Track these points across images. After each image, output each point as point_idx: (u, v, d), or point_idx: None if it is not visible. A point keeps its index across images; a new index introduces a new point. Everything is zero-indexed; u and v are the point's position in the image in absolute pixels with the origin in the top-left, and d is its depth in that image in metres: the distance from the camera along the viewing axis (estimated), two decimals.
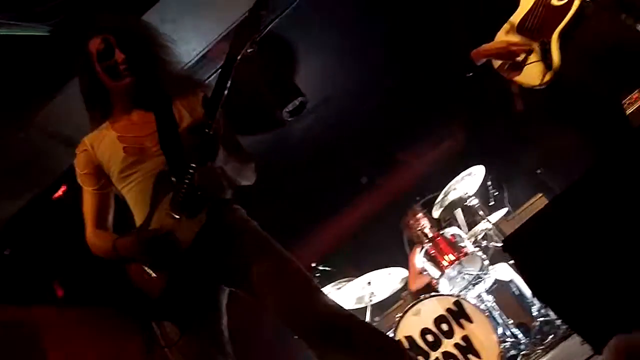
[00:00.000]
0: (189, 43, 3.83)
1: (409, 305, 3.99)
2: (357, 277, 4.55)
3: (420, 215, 5.11)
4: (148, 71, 2.11)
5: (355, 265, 5.42)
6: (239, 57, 1.95)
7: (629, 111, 3.86)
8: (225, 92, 1.93)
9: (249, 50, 3.23)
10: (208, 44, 3.87)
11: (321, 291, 1.96)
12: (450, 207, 4.80)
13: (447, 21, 2.89)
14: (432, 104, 5.72)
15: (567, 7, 2.46)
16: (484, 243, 4.48)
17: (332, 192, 6.14)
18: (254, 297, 1.95)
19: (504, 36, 2.64)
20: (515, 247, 2.17)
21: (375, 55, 5.06)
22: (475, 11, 2.84)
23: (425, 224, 5.02)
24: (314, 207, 6.26)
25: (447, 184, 4.58)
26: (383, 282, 4.69)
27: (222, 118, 1.99)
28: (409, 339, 3.87)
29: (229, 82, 1.94)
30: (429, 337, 3.86)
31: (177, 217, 1.94)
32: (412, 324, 3.91)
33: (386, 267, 4.67)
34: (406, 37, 4.77)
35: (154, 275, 1.94)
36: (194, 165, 1.89)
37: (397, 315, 4.05)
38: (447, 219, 5.25)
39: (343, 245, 6.69)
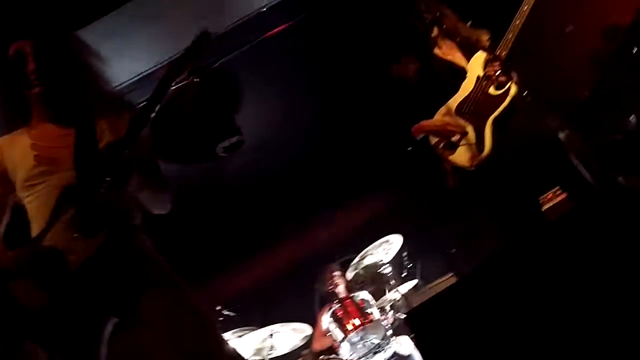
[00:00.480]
0: (138, 60, 3.75)
1: None
2: (260, 327, 4.42)
3: (336, 274, 5.10)
4: (62, 83, 2.06)
5: (262, 315, 5.30)
6: (172, 83, 1.92)
7: (545, 207, 4.09)
8: (152, 115, 1.88)
9: (194, 80, 3.20)
10: (156, 65, 3.81)
11: (220, 335, 1.87)
12: (365, 271, 4.82)
13: (392, 93, 2.98)
14: (364, 167, 5.86)
15: (503, 97, 2.62)
16: (391, 313, 4.50)
17: (252, 236, 6.06)
18: (144, 330, 1.83)
19: (442, 116, 2.75)
20: (417, 321, 2.16)
21: (317, 111, 5.17)
22: (421, 88, 2.94)
23: (339, 283, 5.01)
24: (231, 248, 6.14)
25: (365, 247, 4.61)
26: (286, 336, 4.58)
27: (147, 143, 1.93)
28: None
29: (158, 106, 1.89)
30: None
31: (74, 235, 1.82)
32: None
33: (292, 321, 4.57)
34: (349, 101, 4.93)
35: (36, 292, 1.78)
36: (104, 185, 1.81)
37: None
38: (360, 283, 5.26)
39: (253, 292, 6.55)
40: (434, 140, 2.77)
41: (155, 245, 2.07)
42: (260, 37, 3.90)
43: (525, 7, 2.67)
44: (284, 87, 4.78)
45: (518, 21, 2.66)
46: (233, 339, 4.48)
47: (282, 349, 4.66)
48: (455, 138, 2.68)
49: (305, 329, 4.64)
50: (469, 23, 2.93)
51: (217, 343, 1.83)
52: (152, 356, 1.84)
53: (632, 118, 6.43)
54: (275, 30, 3.89)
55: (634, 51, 6.09)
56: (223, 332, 4.31)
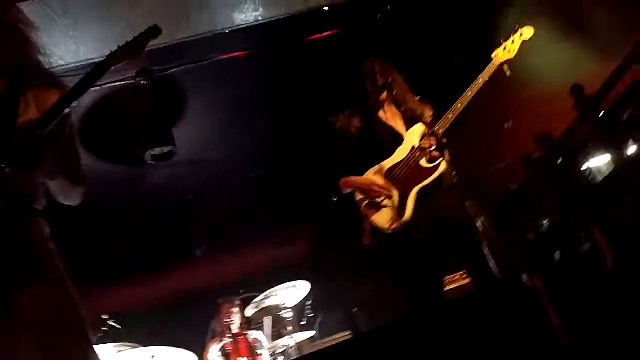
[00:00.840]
0: (84, 44, 3.63)
1: None
2: (144, 346, 4.22)
3: (235, 308, 4.98)
4: None
5: (150, 334, 5.07)
6: (107, 69, 1.86)
7: (448, 287, 4.19)
8: (76, 100, 1.80)
9: (141, 82, 3.10)
10: (102, 56, 3.70)
11: (90, 343, 1.75)
12: (266, 312, 4.74)
13: (331, 141, 3.02)
14: (289, 207, 5.87)
15: (432, 170, 2.72)
16: (281, 359, 4.43)
17: (159, 252, 5.87)
18: (9, 322, 1.68)
19: (372, 175, 2.80)
20: None
21: (255, 142, 5.16)
22: (359, 144, 2.98)
23: (235, 319, 4.88)
24: (134, 259, 5.91)
25: (271, 288, 4.55)
26: None
27: (70, 130, 1.84)
28: None
29: (85, 91, 1.81)
30: None
31: None
32: None
33: (179, 347, 4.39)
34: (288, 139, 4.97)
35: None
36: (8, 162, 1.69)
37: None
38: (259, 322, 5.16)
39: (147, 309, 6.29)
40: (359, 196, 2.81)
41: (55, 236, 1.95)
42: (215, 57, 3.90)
43: (469, 93, 2.82)
44: (228, 112, 4.76)
45: (460, 104, 2.80)
46: (112, 351, 4.25)
47: None
48: (379, 199, 2.73)
49: (190, 358, 4.46)
50: (417, 97, 3.03)
51: (83, 353, 1.71)
52: (16, 351, 1.69)
53: (546, 222, 6.84)
54: (232, 54, 3.90)
55: (559, 161, 6.54)
56: (103, 343, 4.07)
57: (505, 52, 2.90)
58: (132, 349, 4.23)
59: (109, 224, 5.32)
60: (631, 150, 5.15)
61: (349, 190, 2.84)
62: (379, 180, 2.77)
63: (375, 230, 2.75)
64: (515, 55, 2.92)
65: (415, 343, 2.08)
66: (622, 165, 5.14)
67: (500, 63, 2.89)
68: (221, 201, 5.69)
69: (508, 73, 2.90)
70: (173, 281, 6.42)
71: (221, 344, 4.27)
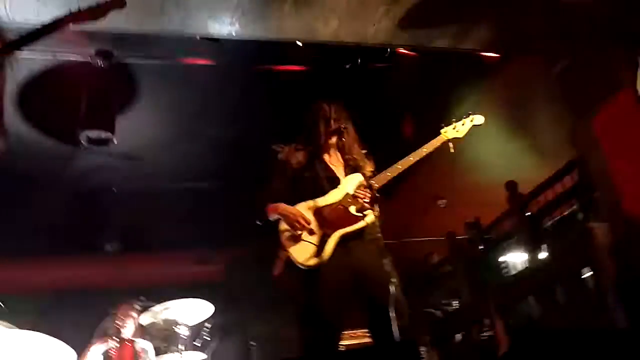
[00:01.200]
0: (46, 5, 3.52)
1: None
2: (21, 329, 3.96)
3: (132, 313, 4.79)
4: None
5: (35, 319, 4.77)
6: (54, 30, 1.83)
7: (347, 342, 4.20)
8: (19, 48, 1.76)
9: (99, 62, 3.03)
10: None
11: None
12: (162, 324, 4.58)
13: (271, 165, 3.04)
14: (218, 227, 5.78)
15: (359, 219, 2.77)
16: None
17: (71, 237, 5.61)
18: None
19: (303, 208, 2.83)
20: None
21: (197, 150, 5.12)
22: (297, 177, 3.01)
23: (129, 324, 4.70)
24: (42, 239, 5.62)
25: (173, 300, 4.42)
26: (44, 353, 4.11)
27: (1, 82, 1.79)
28: None
29: (31, 41, 1.77)
30: None
31: None
32: None
33: (61, 340, 4.15)
34: (230, 154, 4.93)
35: None
36: None
37: None
38: (151, 334, 4.97)
39: (39, 294, 5.95)
40: (283, 226, 2.82)
41: None
42: (179, 59, 3.88)
43: (412, 158, 2.93)
44: (179, 117, 4.72)
45: (400, 166, 2.90)
46: None
47: None
48: (301, 233, 2.75)
49: (69, 354, 4.21)
50: (363, 150, 3.11)
51: None
52: None
53: (455, 303, 7.03)
54: (197, 60, 3.90)
55: (480, 247, 6.81)
56: None
57: (454, 130, 3.06)
58: (9, 329, 3.97)
59: (23, 195, 5.07)
60: (543, 255, 5.44)
61: (276, 217, 2.85)
62: (307, 215, 2.80)
63: (290, 262, 2.75)
64: (463, 137, 3.07)
65: None
66: (534, 266, 5.41)
67: (447, 139, 3.03)
68: (148, 203, 5.55)
69: (452, 150, 3.03)
70: (74, 271, 6.12)
71: (106, 347, 4.08)
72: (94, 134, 3.98)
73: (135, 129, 4.71)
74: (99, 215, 5.61)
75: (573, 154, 5.35)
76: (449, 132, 3.05)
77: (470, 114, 3.13)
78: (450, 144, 3.04)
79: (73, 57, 3.86)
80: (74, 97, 3.98)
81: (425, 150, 2.97)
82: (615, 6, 4.14)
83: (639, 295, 4.00)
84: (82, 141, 4.03)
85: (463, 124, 3.08)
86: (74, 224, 5.63)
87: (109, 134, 4.02)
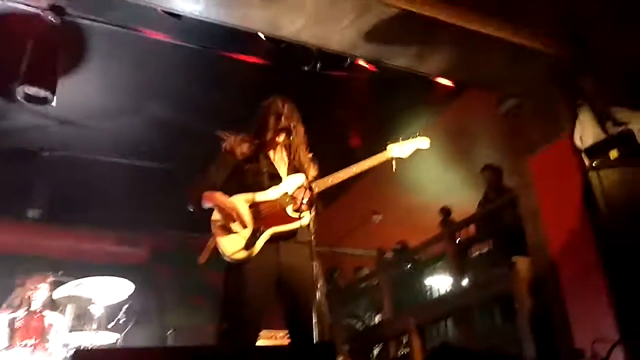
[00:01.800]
0: None
1: None
2: None
3: (44, 285, 4.57)
4: None
5: None
6: None
7: (264, 343, 4.15)
8: None
9: (49, 17, 2.88)
10: None
11: None
12: (75, 300, 4.39)
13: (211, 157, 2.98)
14: (149, 209, 5.61)
15: (293, 220, 2.75)
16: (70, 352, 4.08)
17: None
18: None
19: (239, 201, 2.78)
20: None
21: (146, 132, 4.97)
22: (235, 170, 2.96)
23: (39, 295, 4.47)
24: None
25: (90, 277, 4.25)
26: None
27: None
28: None
29: None
30: None
31: None
32: None
33: None
34: (176, 135, 4.79)
35: None
36: None
37: None
38: (62, 309, 4.77)
39: None
40: (216, 215, 2.77)
41: None
42: (135, 29, 3.74)
43: (354, 169, 2.94)
44: (127, 89, 4.56)
45: (342, 174, 2.91)
46: None
47: None
48: (233, 224, 2.71)
49: None
50: (310, 154, 3.10)
51: None
52: None
53: (377, 317, 7.14)
54: (153, 34, 3.76)
55: (407, 267, 6.96)
56: None
57: (399, 149, 3.07)
58: None
59: None
60: (466, 281, 5.62)
61: (209, 206, 2.79)
62: (242, 208, 2.75)
63: (216, 252, 2.71)
64: (407, 158, 3.10)
65: None
66: (456, 291, 5.58)
67: (391, 157, 3.06)
68: (79, 173, 5.32)
69: (394, 169, 3.07)
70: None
71: (12, 315, 3.87)
72: (32, 90, 3.76)
73: (78, 94, 4.50)
74: (24, 178, 5.32)
75: (508, 190, 5.58)
76: (393, 151, 3.06)
77: (417, 136, 3.15)
78: (394, 163, 3.08)
79: (24, 7, 3.65)
80: (17, 49, 3.76)
81: (368, 163, 2.97)
82: (563, 59, 4.36)
83: (549, 329, 4.20)
84: (18, 96, 3.80)
85: (408, 145, 3.10)
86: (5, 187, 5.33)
87: (48, 93, 3.81)
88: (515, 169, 4.98)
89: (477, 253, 5.93)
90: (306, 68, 4.29)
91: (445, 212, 6.98)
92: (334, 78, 4.44)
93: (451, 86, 4.81)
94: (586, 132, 4.28)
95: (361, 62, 4.35)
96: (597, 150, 3.98)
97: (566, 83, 4.53)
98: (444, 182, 7.52)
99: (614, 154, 3.96)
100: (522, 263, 4.59)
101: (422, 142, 3.13)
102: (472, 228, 5.91)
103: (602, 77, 4.35)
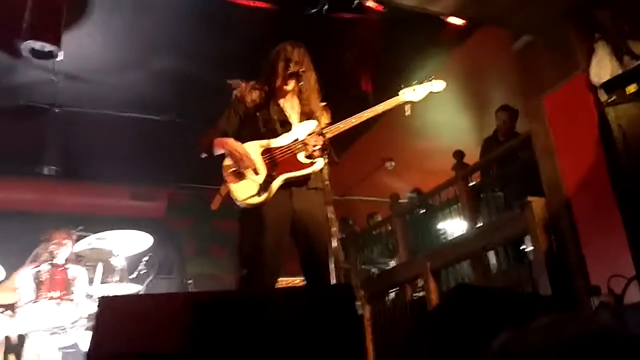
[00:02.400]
0: None
1: None
2: None
3: (68, 240, 4.66)
4: None
5: None
6: None
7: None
8: None
9: None
10: None
11: None
12: (96, 252, 4.49)
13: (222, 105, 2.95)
14: (163, 163, 5.62)
15: (305, 166, 2.76)
16: (95, 304, 4.20)
17: (5, 156, 5.33)
18: None
19: (251, 147, 2.78)
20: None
21: (156, 86, 4.92)
22: (246, 117, 2.93)
23: (64, 250, 4.57)
24: None
25: (110, 230, 4.33)
26: None
27: None
28: None
29: None
30: None
31: None
32: None
33: None
34: (190, 97, 4.77)
35: None
36: None
37: None
38: (86, 262, 4.88)
39: None
40: (227, 162, 2.77)
41: None
42: None
43: (366, 114, 2.91)
44: (131, 39, 4.47)
45: (354, 120, 2.88)
46: None
47: None
48: (246, 170, 2.72)
49: None
50: (322, 102, 3.05)
51: None
52: None
53: (393, 262, 7.24)
54: None
55: (421, 212, 6.98)
56: None
57: (412, 93, 3.02)
58: None
59: None
60: (480, 223, 5.63)
61: (221, 152, 2.79)
62: (255, 154, 2.75)
63: (229, 198, 2.72)
64: (420, 101, 3.05)
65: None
66: (471, 234, 5.60)
67: (404, 102, 3.01)
68: (91, 128, 5.32)
69: (407, 113, 3.02)
70: (7, 192, 5.86)
71: (37, 269, 3.97)
72: (38, 45, 3.72)
73: (84, 48, 4.45)
74: (37, 135, 5.34)
75: (522, 129, 5.51)
76: (406, 95, 3.00)
77: (431, 79, 3.08)
78: (407, 107, 3.02)
79: None
80: (20, 4, 3.70)
81: (380, 108, 2.93)
82: None
83: (565, 268, 4.24)
84: (23, 52, 3.76)
85: (422, 89, 3.04)
86: (9, 142, 5.36)
87: (54, 47, 3.76)
88: (530, 108, 4.90)
89: (490, 195, 5.93)
90: (313, 11, 4.18)
91: (459, 155, 6.94)
92: (342, 21, 4.33)
93: (462, 25, 4.68)
94: (602, 67, 4.18)
95: (369, 3, 4.24)
96: (613, 86, 3.88)
97: (582, 17, 4.40)
98: (457, 125, 7.44)
99: (630, 88, 3.86)
100: (536, 203, 4.58)
101: (435, 86, 3.07)
102: (486, 170, 5.88)
103: (619, 11, 4.21)
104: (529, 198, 4.61)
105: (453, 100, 6.76)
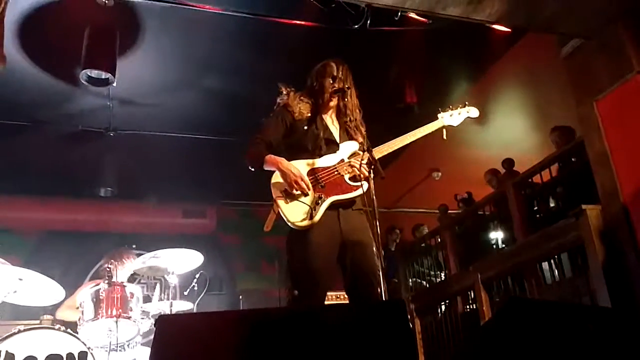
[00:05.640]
0: None
1: (35, 326, 3.60)
2: (13, 265, 3.99)
3: (125, 258, 4.81)
4: None
5: (27, 257, 4.80)
6: None
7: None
8: None
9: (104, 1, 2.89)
10: None
11: None
12: (152, 270, 4.61)
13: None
14: (214, 182, 5.73)
15: (352, 189, 2.77)
16: (152, 321, 4.31)
17: (64, 179, 5.58)
18: None
19: (301, 166, 2.80)
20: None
21: (207, 106, 5.04)
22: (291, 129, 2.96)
23: (121, 269, 4.72)
24: (35, 178, 5.60)
25: (165, 249, 4.44)
26: (35, 288, 4.15)
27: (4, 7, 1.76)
28: (9, 355, 3.43)
29: None
30: None
31: None
32: (24, 345, 3.50)
33: (52, 279, 4.17)
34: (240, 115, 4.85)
35: None
36: None
37: (18, 327, 3.59)
38: (142, 281, 5.03)
39: (31, 233, 5.96)
40: (277, 178, 2.78)
41: None
42: (186, 3, 3.76)
43: (409, 137, 2.95)
44: (180, 62, 4.60)
45: (399, 142, 2.91)
46: None
47: (24, 299, 4.19)
48: (297, 192, 2.74)
49: (57, 291, 4.24)
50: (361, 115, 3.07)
51: None
52: None
53: (442, 274, 7.13)
54: (204, 6, 3.77)
55: (471, 222, 6.85)
56: None
57: (449, 117, 3.08)
58: (1, 265, 3.99)
59: (18, 133, 5.01)
60: (533, 233, 5.47)
61: (272, 169, 2.81)
62: (306, 174, 2.78)
63: (280, 219, 2.75)
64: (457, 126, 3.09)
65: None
66: (523, 244, 5.45)
67: (443, 126, 3.05)
68: (143, 149, 5.50)
69: (444, 137, 3.08)
70: (66, 213, 6.11)
71: (96, 288, 4.10)
72: (94, 73, 3.90)
73: (136, 73, 4.63)
74: (93, 158, 5.56)
75: (575, 136, 5.35)
76: (445, 119, 3.07)
77: (466, 105, 3.13)
78: (444, 131, 3.07)
79: None
80: (76, 35, 3.90)
81: (422, 131, 2.99)
82: None
83: (624, 278, 4.07)
84: (81, 79, 3.95)
85: (459, 114, 3.10)
86: (68, 165, 5.60)
87: (109, 75, 3.94)
88: (582, 113, 4.76)
89: (544, 203, 5.77)
90: (356, 26, 4.21)
91: (508, 163, 6.80)
92: (386, 34, 4.34)
93: (508, 32, 4.61)
94: None
95: (412, 15, 4.23)
96: None
97: (634, 17, 4.25)
98: (507, 133, 7.29)
99: None
100: (592, 210, 4.43)
101: (472, 111, 3.14)
102: (537, 178, 5.72)
103: None
104: (584, 206, 4.47)
105: (502, 108, 6.64)
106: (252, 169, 2.86)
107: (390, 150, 2.89)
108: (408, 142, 2.94)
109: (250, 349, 1.95)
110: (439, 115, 3.08)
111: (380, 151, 2.85)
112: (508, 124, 7.14)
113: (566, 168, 5.37)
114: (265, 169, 2.82)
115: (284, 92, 2.98)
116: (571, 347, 1.97)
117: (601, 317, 2.38)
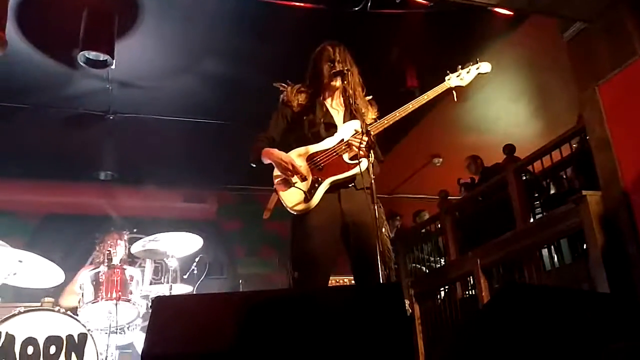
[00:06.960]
0: None
1: (35, 308, 3.62)
2: (14, 248, 4.01)
3: (121, 241, 4.82)
4: None
5: (27, 239, 4.81)
6: None
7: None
8: None
9: None
10: None
11: None
12: (151, 253, 4.63)
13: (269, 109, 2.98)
14: (213, 167, 5.73)
15: (350, 167, 2.75)
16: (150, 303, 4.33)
17: (64, 162, 5.57)
18: None
19: (295, 154, 2.81)
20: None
21: (208, 91, 5.01)
22: (293, 121, 2.96)
23: (119, 251, 4.73)
24: (35, 160, 5.60)
25: (163, 232, 4.45)
26: (35, 270, 4.18)
27: None
28: (9, 336, 3.45)
29: None
30: (30, 349, 3.47)
31: None
32: (24, 326, 3.52)
33: (52, 261, 4.19)
34: (240, 100, 4.83)
35: None
36: None
37: (18, 309, 3.62)
38: (141, 263, 5.06)
39: (31, 215, 5.97)
40: (277, 171, 2.80)
41: None
42: None
43: (410, 106, 2.87)
44: (181, 46, 4.58)
45: (398, 114, 2.85)
46: None
47: (24, 281, 4.22)
48: (293, 179, 2.74)
49: (57, 273, 4.26)
50: (367, 97, 3.04)
51: None
52: None
53: (443, 260, 7.14)
54: None
55: (480, 198, 6.84)
56: None
57: (458, 78, 2.97)
58: (2, 247, 4.01)
59: (18, 116, 5.00)
60: (533, 219, 5.46)
61: (268, 162, 2.83)
62: (300, 161, 2.78)
63: (280, 205, 2.76)
64: (467, 86, 2.99)
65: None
66: (523, 230, 5.44)
67: (451, 87, 2.97)
68: (143, 133, 5.49)
69: (455, 99, 2.97)
70: (66, 196, 6.12)
71: (96, 271, 4.13)
72: (92, 54, 3.88)
73: (135, 56, 4.60)
74: (93, 141, 5.55)
75: (575, 121, 5.31)
76: (452, 80, 2.96)
77: (477, 61, 3.02)
78: (454, 92, 2.96)
79: None
80: (75, 17, 3.87)
81: (425, 96, 2.88)
82: None
83: (624, 264, 4.07)
84: (79, 61, 3.93)
85: (468, 72, 2.99)
86: (69, 148, 5.59)
87: (107, 57, 3.92)
88: (584, 97, 4.72)
89: (543, 189, 5.75)
90: (357, 8, 4.17)
91: (509, 149, 6.76)
92: (387, 17, 4.29)
93: (510, 15, 4.56)
94: None
95: None
96: None
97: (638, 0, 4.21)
98: (508, 118, 7.25)
99: None
100: (592, 197, 4.41)
101: (482, 67, 3.02)
102: (538, 164, 5.69)
103: None
104: (584, 192, 4.45)
105: (503, 92, 6.59)
106: (254, 165, 2.89)
107: (394, 120, 2.82)
108: (412, 109, 2.84)
109: (246, 330, 1.96)
110: (446, 78, 2.97)
111: (382, 124, 2.81)
112: (509, 110, 7.10)
113: (567, 152, 5.33)
114: (265, 162, 2.84)
115: (283, 89, 2.98)
116: (567, 332, 1.97)
117: (598, 302, 2.38)
